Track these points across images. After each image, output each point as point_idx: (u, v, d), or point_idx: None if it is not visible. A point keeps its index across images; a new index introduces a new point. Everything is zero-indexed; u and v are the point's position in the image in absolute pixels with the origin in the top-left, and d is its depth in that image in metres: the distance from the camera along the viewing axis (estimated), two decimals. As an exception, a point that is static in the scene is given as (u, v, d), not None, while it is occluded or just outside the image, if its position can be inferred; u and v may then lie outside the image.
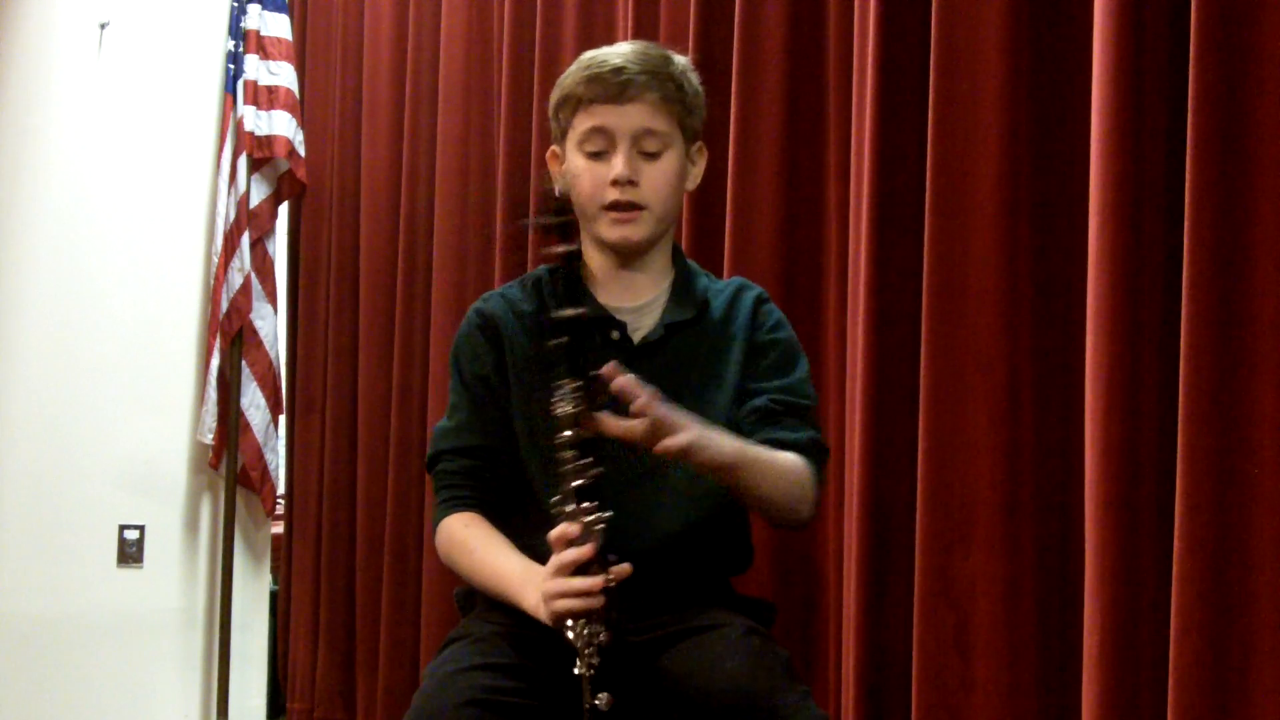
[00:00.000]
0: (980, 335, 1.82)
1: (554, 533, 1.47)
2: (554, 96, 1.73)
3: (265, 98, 3.46)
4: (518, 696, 1.48)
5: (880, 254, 1.96)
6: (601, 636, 1.43)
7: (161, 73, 3.55)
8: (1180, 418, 1.46)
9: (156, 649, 3.47)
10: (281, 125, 3.46)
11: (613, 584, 1.44)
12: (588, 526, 1.45)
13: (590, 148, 1.66)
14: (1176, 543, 1.46)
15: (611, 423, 1.45)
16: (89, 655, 3.39)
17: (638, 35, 2.53)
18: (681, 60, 1.73)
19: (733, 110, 2.25)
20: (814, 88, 2.21)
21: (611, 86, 1.64)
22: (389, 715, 3.14)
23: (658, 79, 1.66)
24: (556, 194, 1.55)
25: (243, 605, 3.52)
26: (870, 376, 1.96)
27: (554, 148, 1.75)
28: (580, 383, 1.46)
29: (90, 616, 3.41)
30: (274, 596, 3.73)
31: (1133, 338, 1.57)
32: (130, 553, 3.45)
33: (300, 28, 3.67)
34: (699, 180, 1.78)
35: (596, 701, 1.41)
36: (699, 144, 1.75)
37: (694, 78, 1.73)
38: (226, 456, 3.47)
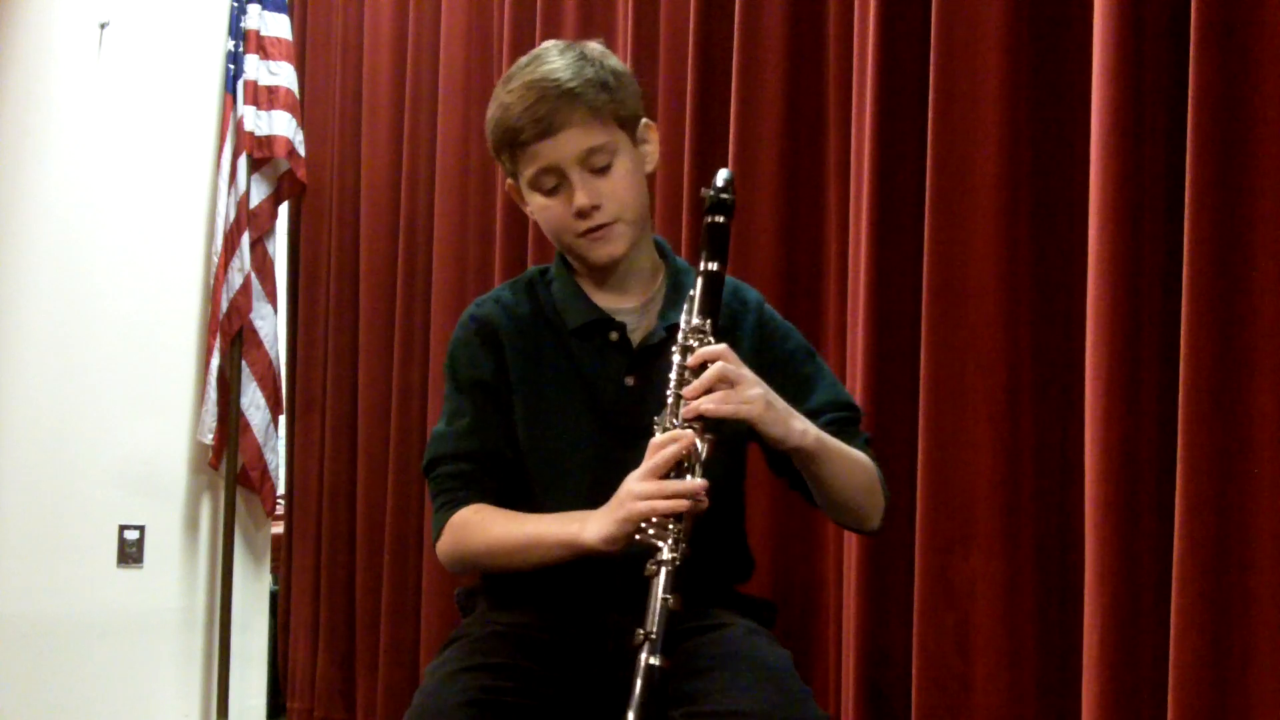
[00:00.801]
0: (980, 335, 1.82)
1: (657, 439, 1.46)
2: (490, 134, 1.67)
3: (265, 98, 3.46)
4: (517, 697, 1.47)
5: (880, 254, 1.96)
6: (682, 544, 1.41)
7: (161, 73, 3.55)
8: (1180, 418, 1.46)
9: (156, 649, 3.47)
10: (281, 125, 3.46)
11: (700, 500, 1.42)
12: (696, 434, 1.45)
13: (544, 186, 1.63)
14: (1176, 543, 1.46)
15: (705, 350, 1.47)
16: (89, 655, 3.39)
17: (637, 36, 2.53)
18: (595, 50, 1.66)
19: (733, 110, 2.25)
20: (814, 88, 2.21)
21: (541, 123, 1.59)
22: (389, 715, 3.14)
23: (578, 93, 1.59)
24: (724, 185, 1.55)
25: (243, 605, 3.52)
26: (870, 376, 1.96)
27: (509, 180, 1.72)
28: (710, 321, 1.50)
29: (90, 616, 3.41)
30: (274, 596, 3.73)
31: (1133, 338, 1.57)
32: (130, 553, 3.44)
33: (300, 28, 3.67)
34: (657, 158, 1.72)
35: (667, 599, 1.38)
36: (644, 121, 1.69)
37: (612, 62, 1.66)
38: (226, 456, 3.48)
